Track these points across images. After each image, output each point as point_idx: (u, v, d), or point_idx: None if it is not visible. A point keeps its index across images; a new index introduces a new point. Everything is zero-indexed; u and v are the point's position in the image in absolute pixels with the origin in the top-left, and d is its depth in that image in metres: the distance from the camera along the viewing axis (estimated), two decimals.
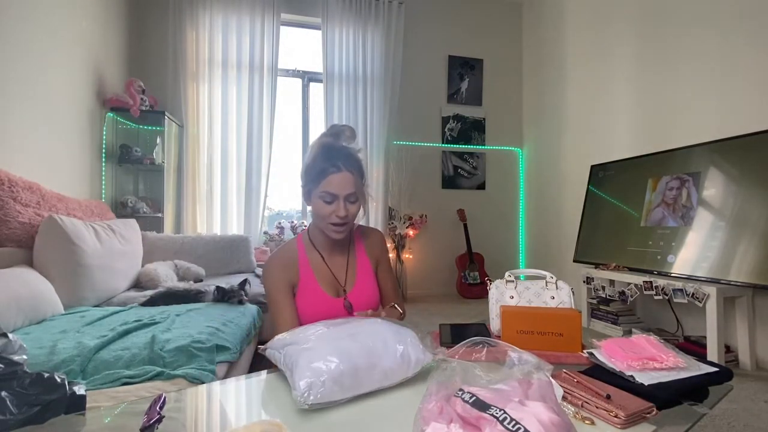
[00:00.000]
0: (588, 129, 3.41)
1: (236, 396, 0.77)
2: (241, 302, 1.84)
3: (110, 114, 2.91)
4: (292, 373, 0.68)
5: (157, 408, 0.58)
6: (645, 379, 0.69)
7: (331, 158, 0.99)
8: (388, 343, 0.75)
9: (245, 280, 1.98)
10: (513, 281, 1.07)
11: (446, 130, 4.15)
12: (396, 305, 1.14)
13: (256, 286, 2.43)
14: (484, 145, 4.24)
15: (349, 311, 1.06)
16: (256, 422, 0.56)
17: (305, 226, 3.68)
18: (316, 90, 3.89)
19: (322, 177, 0.99)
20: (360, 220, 1.13)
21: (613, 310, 2.63)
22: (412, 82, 3.98)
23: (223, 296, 1.85)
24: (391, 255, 3.86)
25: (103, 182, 2.87)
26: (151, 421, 0.55)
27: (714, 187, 2.23)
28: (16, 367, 0.61)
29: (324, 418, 0.63)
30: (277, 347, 0.77)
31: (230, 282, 1.99)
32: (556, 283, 1.04)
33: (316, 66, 3.79)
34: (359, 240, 1.17)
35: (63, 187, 2.22)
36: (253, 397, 0.78)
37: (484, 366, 0.84)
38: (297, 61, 3.87)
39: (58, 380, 0.62)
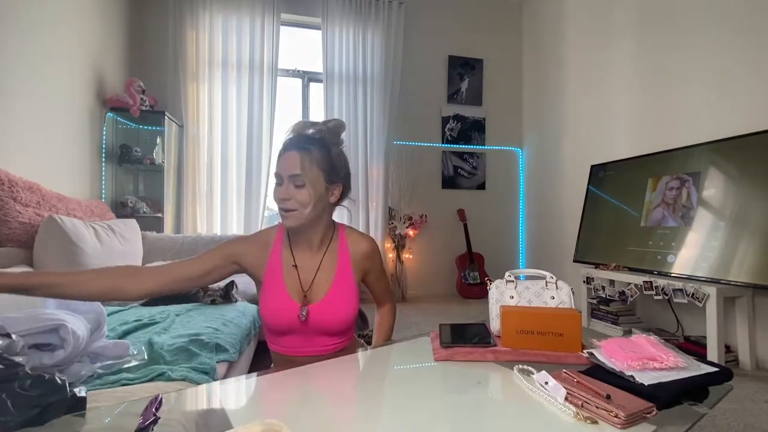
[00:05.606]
0: (588, 129, 3.41)
1: (236, 396, 0.77)
2: (213, 302, 1.83)
3: (110, 114, 2.91)
4: None
5: (153, 409, 0.58)
6: (645, 379, 0.69)
7: (292, 140, 0.97)
8: None
9: (232, 282, 1.96)
10: (513, 281, 1.07)
11: (446, 130, 4.15)
12: (360, 339, 1.16)
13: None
14: (484, 145, 4.24)
15: (302, 321, 0.96)
16: (256, 422, 0.56)
17: None
18: (316, 90, 3.89)
19: (278, 158, 0.97)
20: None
21: (613, 310, 2.63)
22: (412, 82, 3.98)
23: (204, 294, 1.85)
24: (391, 255, 3.87)
25: (103, 182, 2.87)
26: (147, 423, 0.55)
27: (714, 187, 2.23)
28: (17, 368, 0.61)
29: (324, 418, 0.63)
30: None
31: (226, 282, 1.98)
32: (556, 283, 1.04)
33: (316, 66, 3.78)
34: (345, 245, 1.05)
35: (63, 187, 2.22)
36: (253, 397, 0.78)
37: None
38: (297, 61, 3.87)
39: (59, 382, 0.62)
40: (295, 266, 1.01)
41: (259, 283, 1.03)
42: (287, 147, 0.96)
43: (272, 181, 1.02)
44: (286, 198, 0.93)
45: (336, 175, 0.99)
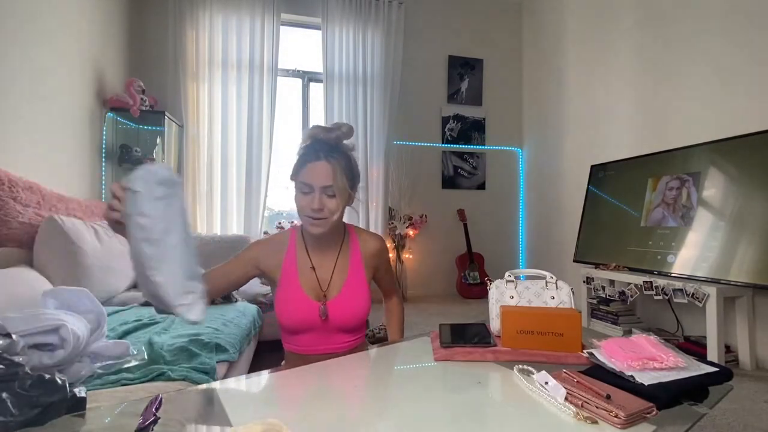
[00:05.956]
0: (588, 129, 3.41)
1: (236, 396, 0.77)
2: (214, 302, 1.83)
3: (110, 114, 2.91)
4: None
5: (153, 409, 0.58)
6: (645, 379, 0.69)
7: (314, 148, 0.97)
8: None
9: None
10: (513, 281, 1.07)
11: (446, 130, 4.15)
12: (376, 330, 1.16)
13: (256, 286, 2.43)
14: (484, 145, 4.24)
15: (322, 319, 1.01)
16: (256, 422, 0.56)
17: None
18: (316, 90, 3.89)
19: (301, 166, 0.97)
20: (356, 221, 1.11)
21: (613, 310, 2.64)
22: (412, 82, 3.98)
23: None
24: (391, 255, 3.87)
25: (103, 182, 2.87)
26: (147, 423, 0.55)
27: (714, 187, 2.23)
28: (18, 368, 0.62)
29: (324, 418, 0.63)
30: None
31: None
32: (556, 283, 1.04)
33: (316, 66, 3.79)
34: (356, 245, 1.10)
35: (63, 187, 2.22)
36: (253, 397, 0.78)
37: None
38: (297, 61, 3.87)
39: (59, 382, 0.62)
40: (313, 268, 1.05)
41: (274, 284, 1.06)
42: (314, 156, 0.96)
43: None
44: (319, 208, 0.95)
45: (355, 181, 1.04)
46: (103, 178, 2.87)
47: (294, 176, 1.00)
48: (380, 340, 2.24)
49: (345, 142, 1.02)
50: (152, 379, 1.00)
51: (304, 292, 1.02)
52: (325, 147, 0.97)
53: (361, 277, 1.08)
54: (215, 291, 1.00)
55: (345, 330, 1.05)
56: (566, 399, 0.64)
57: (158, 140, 3.05)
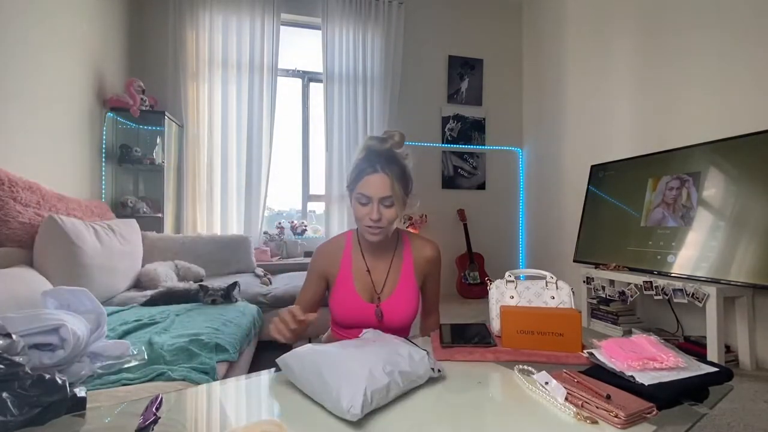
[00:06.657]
0: (588, 129, 3.41)
1: (236, 396, 0.77)
2: (214, 302, 1.83)
3: (110, 114, 2.91)
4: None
5: (153, 409, 0.58)
6: (645, 379, 0.69)
7: (370, 160, 1.01)
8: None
9: (236, 283, 1.96)
10: (513, 281, 1.07)
11: (446, 130, 4.15)
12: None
13: (256, 286, 2.43)
14: (484, 145, 4.24)
15: (378, 319, 1.07)
16: (256, 422, 0.56)
17: (305, 226, 3.68)
18: (316, 90, 3.89)
19: (359, 178, 1.01)
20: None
21: (613, 310, 2.64)
22: (412, 82, 3.98)
23: (205, 294, 1.86)
24: None
25: (103, 182, 2.87)
26: (147, 422, 0.56)
27: (714, 187, 2.23)
28: (18, 368, 0.62)
29: (324, 418, 0.63)
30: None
31: (228, 282, 1.98)
32: (556, 283, 1.04)
33: (316, 66, 3.78)
34: (409, 251, 1.16)
35: (63, 187, 2.22)
36: (253, 397, 0.78)
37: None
38: (297, 61, 3.87)
39: (59, 382, 0.62)
40: (369, 271, 1.12)
41: (330, 284, 1.13)
42: (371, 168, 0.99)
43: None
44: (378, 218, 1.01)
45: (409, 188, 1.08)
46: (103, 178, 2.87)
47: (351, 186, 1.05)
48: None
49: (398, 151, 1.04)
50: (152, 379, 1.00)
51: (357, 294, 1.09)
52: (381, 158, 1.00)
53: (411, 280, 1.13)
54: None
55: (396, 330, 1.08)
56: (566, 399, 0.64)
57: (158, 140, 3.05)
